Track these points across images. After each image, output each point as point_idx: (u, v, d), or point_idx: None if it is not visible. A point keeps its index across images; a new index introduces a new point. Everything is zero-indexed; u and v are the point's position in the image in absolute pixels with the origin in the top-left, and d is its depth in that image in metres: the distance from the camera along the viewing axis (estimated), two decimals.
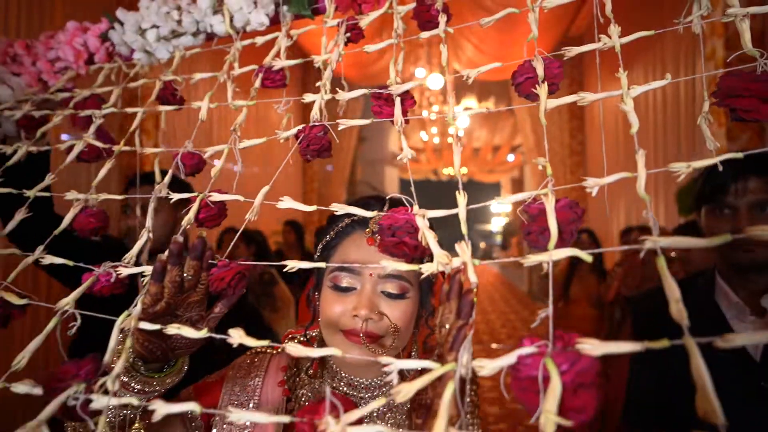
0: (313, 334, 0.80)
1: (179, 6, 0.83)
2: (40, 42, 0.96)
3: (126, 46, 0.85)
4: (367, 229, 0.70)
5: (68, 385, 0.44)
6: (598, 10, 0.58)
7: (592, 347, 0.33)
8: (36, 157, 0.84)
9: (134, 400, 0.43)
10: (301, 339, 0.82)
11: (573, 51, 0.51)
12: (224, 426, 0.73)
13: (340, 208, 0.53)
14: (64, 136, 0.92)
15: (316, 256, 0.75)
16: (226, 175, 0.71)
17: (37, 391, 0.44)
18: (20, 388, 0.44)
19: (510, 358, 0.35)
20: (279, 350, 0.83)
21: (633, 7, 4.01)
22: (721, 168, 0.45)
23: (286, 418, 0.38)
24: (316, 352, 0.43)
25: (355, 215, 0.72)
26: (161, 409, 0.40)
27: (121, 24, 0.84)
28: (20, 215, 0.68)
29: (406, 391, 0.37)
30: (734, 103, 0.50)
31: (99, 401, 0.42)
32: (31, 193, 0.70)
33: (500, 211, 17.67)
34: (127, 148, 0.75)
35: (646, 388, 1.16)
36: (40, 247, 0.61)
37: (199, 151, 0.70)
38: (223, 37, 0.83)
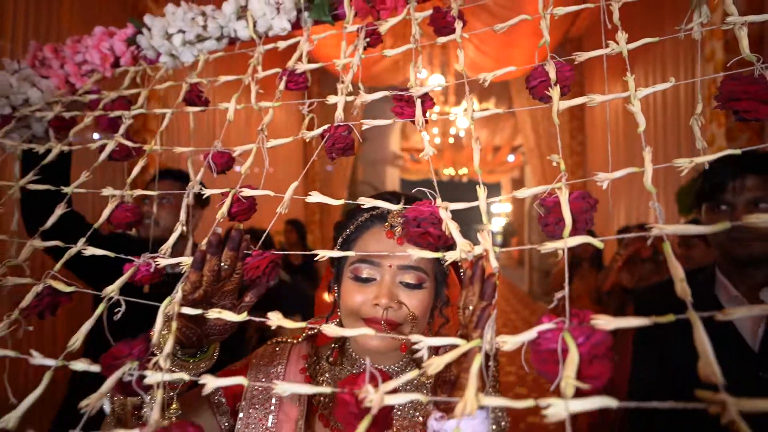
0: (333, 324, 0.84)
1: (204, 12, 0.87)
2: (67, 46, 1.00)
3: (153, 50, 0.89)
4: (386, 223, 0.74)
5: (123, 363, 0.48)
6: (606, 17, 0.62)
7: (605, 322, 0.37)
8: (61, 157, 0.88)
9: (186, 376, 0.47)
10: (318, 330, 0.86)
11: (584, 56, 0.55)
12: (250, 411, 0.77)
13: (367, 202, 0.57)
14: (95, 135, 0.95)
15: (335, 249, 0.79)
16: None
17: (95, 368, 0.48)
18: (78, 365, 0.48)
19: (531, 334, 0.39)
20: (299, 340, 0.87)
21: (634, 10, 4.05)
22: (717, 164, 0.49)
23: (327, 390, 0.42)
24: (347, 332, 0.47)
25: (374, 210, 0.76)
26: (211, 382, 0.44)
27: (149, 29, 0.88)
28: (60, 210, 0.72)
29: (437, 364, 0.41)
30: (735, 106, 0.54)
31: (153, 377, 0.46)
32: (68, 190, 0.74)
33: (500, 211, 17.72)
34: (157, 147, 0.79)
35: (648, 371, 1.21)
36: (82, 240, 0.65)
37: (228, 150, 0.74)
38: (246, 41, 0.87)
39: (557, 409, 0.33)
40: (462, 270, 0.86)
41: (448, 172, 13.11)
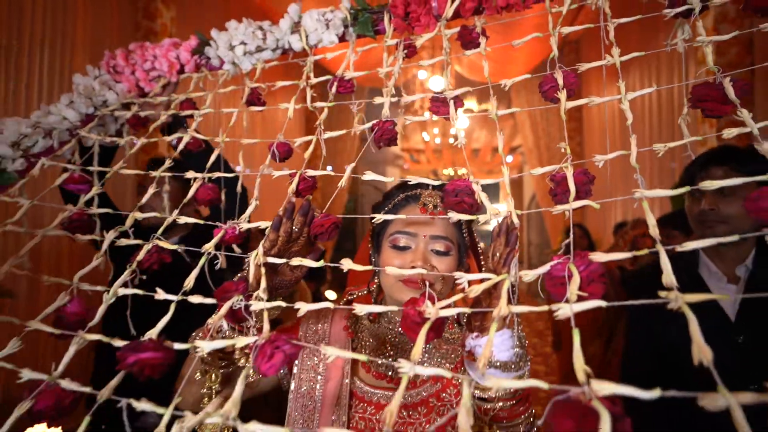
0: (371, 289, 0.99)
1: (261, 27, 1.03)
2: (137, 54, 1.16)
3: (218, 59, 1.05)
4: (420, 201, 0.90)
5: (231, 296, 0.64)
6: (605, 35, 0.78)
7: (599, 256, 0.53)
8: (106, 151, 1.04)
9: (283, 303, 0.63)
10: (359, 294, 1.02)
11: (584, 66, 0.71)
12: (304, 358, 0.93)
13: (413, 179, 0.73)
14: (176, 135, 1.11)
15: (375, 225, 0.95)
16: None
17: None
18: (195, 298, 0.64)
19: (545, 268, 0.55)
20: (339, 305, 1.03)
21: (630, 13, 4.24)
22: (696, 160, 0.65)
23: (394, 307, 0.58)
24: (378, 309, 0.62)
25: (409, 191, 0.92)
26: (304, 307, 0.59)
27: (215, 42, 1.04)
28: (152, 189, 0.88)
29: (476, 289, 0.57)
30: (702, 105, 0.70)
31: (256, 305, 0.62)
32: (156, 174, 0.90)
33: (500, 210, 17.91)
34: (228, 139, 0.95)
35: (641, 345, 1.37)
36: (135, 213, 0.81)
37: (289, 141, 0.90)
38: (298, 52, 1.03)
39: (564, 310, 0.49)
40: (480, 249, 1.01)
41: (448, 172, 13.31)
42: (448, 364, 0.93)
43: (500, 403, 0.71)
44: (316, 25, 0.97)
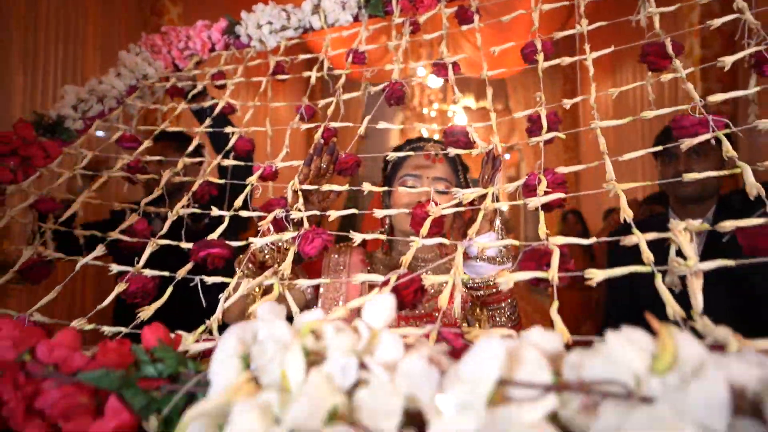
0: (384, 228, 1.16)
1: (285, 8, 1.20)
2: (172, 35, 1.32)
3: (246, 37, 1.22)
4: (424, 149, 1.06)
5: (274, 209, 0.80)
6: (585, 44, 0.95)
7: (563, 169, 0.70)
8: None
9: (317, 211, 0.79)
10: (376, 232, 1.18)
11: (559, 35, 0.87)
12: (329, 288, 1.08)
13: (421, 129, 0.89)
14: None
15: (386, 173, 1.12)
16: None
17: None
18: (260, 241, 0.80)
19: (521, 181, 0.72)
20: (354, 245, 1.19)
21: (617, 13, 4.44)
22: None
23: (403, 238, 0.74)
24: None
25: (414, 144, 1.08)
26: (358, 237, 0.75)
27: (245, 22, 1.21)
28: (219, 159, 1.04)
29: (470, 198, 0.73)
30: (648, 60, 0.85)
31: (295, 214, 0.78)
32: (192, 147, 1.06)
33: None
34: (258, 103, 1.11)
35: (621, 295, 1.53)
36: (198, 177, 0.97)
37: (312, 104, 1.06)
38: (317, 30, 1.19)
39: (534, 202, 0.65)
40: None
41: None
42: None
43: (486, 291, 0.87)
44: (333, 6, 1.13)
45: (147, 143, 1.06)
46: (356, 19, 1.15)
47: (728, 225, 0.53)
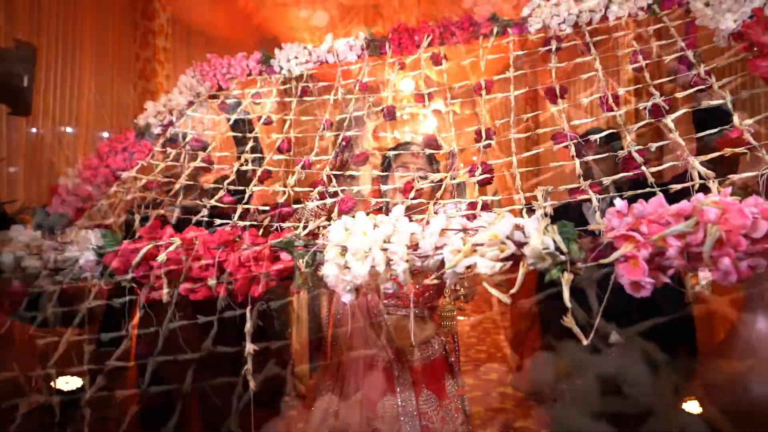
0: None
1: (306, 47, 1.65)
2: (216, 63, 1.76)
3: (278, 67, 1.66)
4: (410, 150, 1.53)
5: (318, 185, 1.25)
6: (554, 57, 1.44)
7: (493, 162, 1.18)
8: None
9: (353, 189, 1.25)
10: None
11: (538, 69, 1.36)
12: None
13: (412, 141, 1.36)
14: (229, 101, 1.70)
15: (383, 166, 1.58)
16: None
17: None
18: (310, 205, 1.26)
19: (467, 169, 1.19)
20: None
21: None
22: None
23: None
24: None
25: (403, 147, 1.56)
26: (372, 199, 1.22)
27: (277, 57, 1.65)
28: (244, 154, 1.48)
29: (437, 178, 1.20)
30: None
31: (332, 189, 1.24)
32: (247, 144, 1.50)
33: None
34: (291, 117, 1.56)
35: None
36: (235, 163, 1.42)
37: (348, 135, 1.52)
38: (330, 63, 1.65)
39: (473, 180, 1.13)
40: None
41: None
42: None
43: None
44: (344, 47, 1.59)
45: (213, 143, 1.49)
46: (359, 57, 1.62)
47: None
